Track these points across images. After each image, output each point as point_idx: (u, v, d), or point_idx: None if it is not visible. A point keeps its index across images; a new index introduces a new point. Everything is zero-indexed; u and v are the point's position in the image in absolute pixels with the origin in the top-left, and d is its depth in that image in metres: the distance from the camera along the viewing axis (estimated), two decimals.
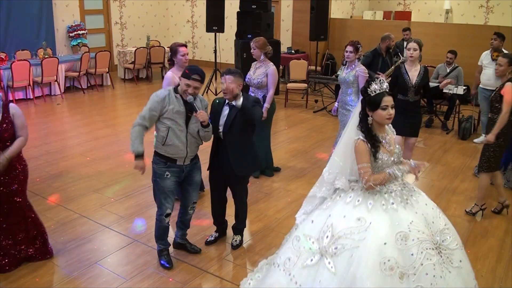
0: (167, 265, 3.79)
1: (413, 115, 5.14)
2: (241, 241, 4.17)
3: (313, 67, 10.95)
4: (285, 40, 12.16)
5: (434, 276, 2.64)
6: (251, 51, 5.36)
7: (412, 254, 2.64)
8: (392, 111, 2.86)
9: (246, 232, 4.32)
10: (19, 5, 10.49)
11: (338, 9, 12.37)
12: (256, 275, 3.54)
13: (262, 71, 5.32)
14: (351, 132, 2.96)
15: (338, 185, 2.97)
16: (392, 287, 2.56)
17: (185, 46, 4.64)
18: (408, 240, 2.66)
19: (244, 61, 10.09)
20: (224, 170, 3.85)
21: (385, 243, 2.63)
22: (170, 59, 4.68)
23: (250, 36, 10.06)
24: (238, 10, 10.25)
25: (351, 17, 12.85)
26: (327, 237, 2.78)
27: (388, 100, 2.82)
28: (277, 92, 10.36)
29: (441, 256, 2.73)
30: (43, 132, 7.57)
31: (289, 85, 9.68)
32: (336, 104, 5.72)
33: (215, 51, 10.43)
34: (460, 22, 11.46)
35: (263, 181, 5.62)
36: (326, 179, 3.04)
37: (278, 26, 12.32)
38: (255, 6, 9.97)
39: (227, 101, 3.77)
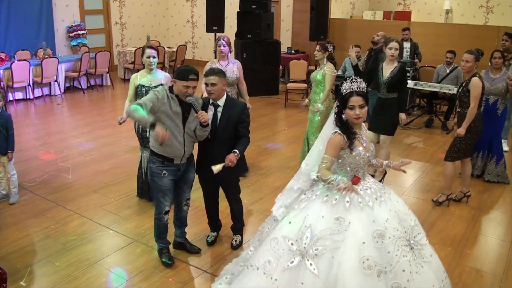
0: (169, 262, 3.79)
1: (384, 112, 5.25)
2: (241, 241, 4.17)
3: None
4: (285, 40, 12.17)
5: (410, 272, 2.70)
6: (222, 48, 5.32)
7: (388, 252, 2.69)
8: (360, 111, 2.86)
9: (246, 232, 4.32)
10: (19, 5, 10.50)
11: (338, 9, 12.38)
12: (223, 277, 3.48)
13: (232, 67, 5.41)
14: (328, 127, 3.03)
15: (314, 176, 2.98)
16: (372, 285, 2.60)
17: (155, 48, 4.52)
18: (385, 238, 2.71)
19: (244, 61, 10.08)
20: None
21: (363, 242, 2.67)
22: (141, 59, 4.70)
23: (250, 36, 10.10)
24: (238, 10, 10.26)
25: (351, 17, 12.85)
26: (306, 237, 2.77)
27: (355, 100, 2.84)
28: (277, 92, 10.44)
29: (413, 252, 2.80)
30: (43, 132, 7.57)
31: (289, 85, 9.68)
32: (306, 100, 5.85)
33: (215, 51, 10.42)
34: (460, 22, 11.47)
35: (263, 181, 5.62)
36: (303, 170, 3.07)
37: (278, 26, 12.32)
38: (255, 6, 9.99)
39: (211, 101, 3.75)
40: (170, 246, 3.97)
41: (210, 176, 3.85)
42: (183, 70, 3.48)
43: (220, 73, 3.69)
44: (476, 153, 5.66)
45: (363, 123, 3.04)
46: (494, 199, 5.24)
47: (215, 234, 4.24)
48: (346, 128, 2.92)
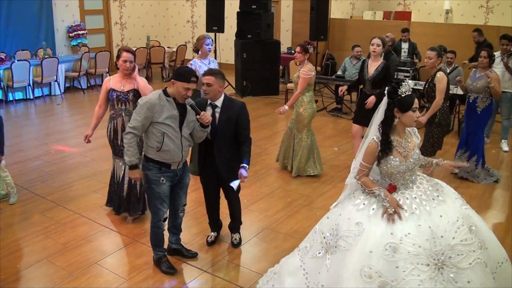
0: (172, 271, 3.71)
1: (364, 104, 5.42)
2: (241, 239, 4.18)
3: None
4: (285, 40, 12.17)
5: None
6: (210, 47, 5.42)
7: (397, 267, 2.62)
8: (418, 113, 2.89)
9: (246, 232, 4.32)
10: (19, 5, 10.49)
11: (338, 9, 12.38)
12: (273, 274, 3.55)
13: (212, 66, 5.44)
14: (373, 131, 3.01)
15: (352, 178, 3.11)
16: None
17: (131, 52, 4.24)
18: (397, 252, 2.65)
19: (244, 61, 10.10)
20: (217, 170, 3.83)
21: (370, 251, 2.68)
22: (115, 62, 4.37)
23: (250, 36, 10.10)
24: (238, 10, 10.26)
25: (351, 17, 12.85)
26: (333, 235, 2.91)
27: (417, 102, 2.85)
28: (277, 92, 10.44)
29: (441, 274, 2.63)
30: (43, 132, 7.57)
31: (289, 85, 9.67)
32: (286, 107, 5.72)
33: (215, 51, 10.44)
34: (460, 22, 11.46)
35: (263, 181, 5.62)
36: (352, 171, 3.19)
37: (278, 26, 12.32)
38: (255, 6, 9.99)
39: (209, 102, 3.73)
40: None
41: (212, 175, 3.89)
42: (185, 71, 3.42)
43: (218, 74, 3.67)
44: (460, 151, 5.77)
45: (409, 130, 3.00)
46: (493, 199, 5.24)
47: (215, 234, 4.23)
48: (386, 140, 2.88)
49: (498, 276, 2.84)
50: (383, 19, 12.25)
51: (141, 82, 4.34)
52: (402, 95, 2.82)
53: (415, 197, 2.84)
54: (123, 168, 4.47)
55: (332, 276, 2.78)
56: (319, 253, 2.97)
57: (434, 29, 10.35)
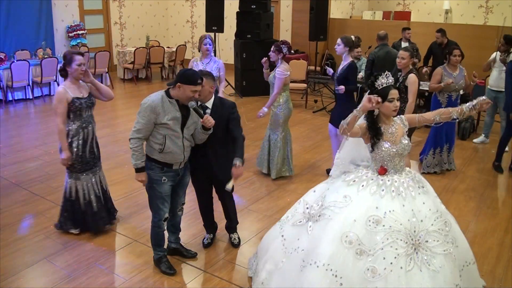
0: (171, 271, 3.71)
1: (337, 104, 5.64)
2: (240, 239, 4.18)
3: (312, 67, 10.95)
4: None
5: (391, 263, 2.77)
6: (208, 46, 5.50)
7: (377, 238, 2.81)
8: (398, 103, 3.03)
9: (245, 232, 4.32)
10: (18, 5, 10.50)
11: (337, 9, 12.39)
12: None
13: (212, 66, 5.47)
14: (359, 123, 3.14)
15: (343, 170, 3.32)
16: (346, 258, 2.81)
17: (82, 55, 4.01)
18: (379, 224, 2.84)
19: (244, 61, 10.10)
20: (210, 171, 3.81)
21: (354, 220, 2.87)
22: (62, 69, 4.00)
23: (249, 36, 10.10)
24: (238, 10, 10.27)
25: (350, 17, 12.86)
26: (317, 205, 3.12)
27: (394, 93, 3.01)
28: None
29: (416, 253, 2.82)
30: (43, 132, 7.56)
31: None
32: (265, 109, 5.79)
33: (214, 51, 10.44)
34: (459, 22, 11.47)
35: (263, 181, 5.63)
36: (335, 164, 3.41)
37: (278, 26, 12.33)
38: (254, 6, 10.00)
39: (198, 103, 3.68)
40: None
41: (204, 176, 3.88)
42: (191, 74, 3.38)
43: (207, 75, 3.66)
44: (439, 148, 5.86)
45: (396, 119, 3.14)
46: (493, 199, 5.24)
47: (211, 236, 4.19)
48: (375, 128, 3.03)
49: (464, 275, 3.06)
50: (383, 19, 12.27)
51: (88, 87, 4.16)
52: (379, 88, 3.01)
53: (403, 182, 3.03)
54: (92, 182, 4.31)
55: (313, 240, 2.96)
56: (300, 222, 3.17)
57: (433, 29, 10.27)
